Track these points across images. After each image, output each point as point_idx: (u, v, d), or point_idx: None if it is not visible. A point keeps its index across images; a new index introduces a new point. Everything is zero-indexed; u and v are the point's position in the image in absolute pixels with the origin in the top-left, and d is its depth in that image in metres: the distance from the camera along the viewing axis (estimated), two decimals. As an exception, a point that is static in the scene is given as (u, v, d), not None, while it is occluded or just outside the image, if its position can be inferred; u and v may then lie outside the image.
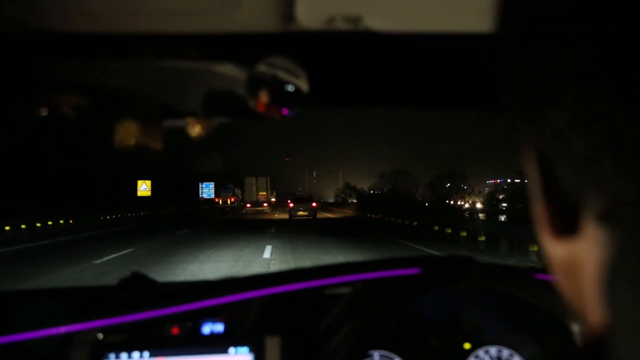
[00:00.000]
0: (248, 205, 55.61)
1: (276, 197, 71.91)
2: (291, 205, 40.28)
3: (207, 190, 77.03)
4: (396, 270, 1.18)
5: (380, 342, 1.19)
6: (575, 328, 1.08)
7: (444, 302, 1.21)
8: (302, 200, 40.40)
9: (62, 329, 1.11)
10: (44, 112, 0.86)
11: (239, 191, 70.09)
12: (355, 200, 72.58)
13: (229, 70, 0.95)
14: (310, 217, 38.58)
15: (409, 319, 1.20)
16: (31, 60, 0.90)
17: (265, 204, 55.35)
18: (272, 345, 1.11)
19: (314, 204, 40.48)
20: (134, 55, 0.91)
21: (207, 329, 1.16)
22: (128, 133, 0.95)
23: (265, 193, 56.32)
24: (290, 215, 39.06)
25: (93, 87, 0.91)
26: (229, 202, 67.56)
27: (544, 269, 1.25)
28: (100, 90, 0.92)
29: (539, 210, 0.36)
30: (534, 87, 0.31)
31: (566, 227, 0.33)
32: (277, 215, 45.24)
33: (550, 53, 0.30)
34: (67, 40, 0.87)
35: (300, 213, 38.87)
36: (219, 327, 1.16)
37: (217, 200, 68.92)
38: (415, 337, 1.21)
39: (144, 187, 54.23)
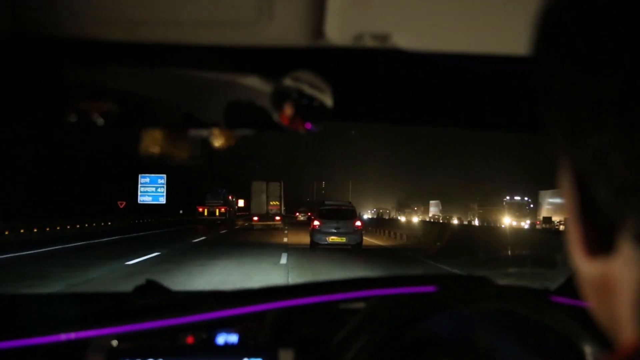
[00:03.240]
0: (255, 218, 39.05)
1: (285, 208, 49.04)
2: (316, 223, 19.68)
3: (151, 190, 46.75)
4: (412, 288, 1.19)
5: (394, 359, 1.19)
6: (588, 350, 1.08)
7: (458, 321, 1.21)
8: (337, 216, 19.73)
9: (78, 335, 1.12)
10: (73, 118, 0.88)
11: (234, 199, 51.80)
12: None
13: (254, 82, 0.97)
14: (350, 247, 19.20)
15: (423, 337, 1.20)
16: (63, 67, 0.91)
17: (277, 218, 39.09)
18: (286, 358, 1.11)
19: (359, 223, 19.95)
20: (164, 65, 0.92)
21: (221, 339, 1.16)
22: (153, 141, 0.96)
23: (278, 203, 39.88)
24: (314, 243, 19.27)
25: (122, 95, 0.92)
26: (217, 213, 45.93)
27: (559, 291, 1.24)
28: (129, 98, 0.93)
29: (573, 229, 0.36)
30: (575, 109, 0.32)
31: (601, 247, 0.34)
32: (288, 238, 25.83)
33: (592, 76, 0.30)
34: (99, 48, 0.89)
35: (334, 239, 19.04)
36: (233, 338, 1.17)
37: (200, 210, 46.66)
38: (428, 355, 1.21)
39: None
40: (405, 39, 0.85)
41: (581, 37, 0.31)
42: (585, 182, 0.33)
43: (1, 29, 0.80)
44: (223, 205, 47.13)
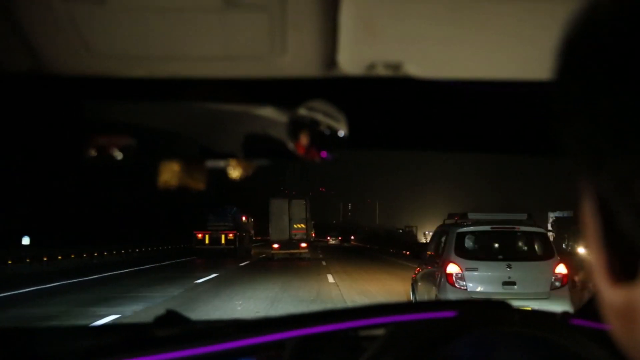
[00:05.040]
0: (275, 245, 30.26)
1: (314, 232, 38.88)
2: (453, 270, 7.17)
3: None
4: (431, 313, 1.18)
5: None
6: None
7: (478, 347, 1.20)
8: (504, 251, 7.56)
9: None
10: (93, 153, 0.89)
11: (249, 220, 39.33)
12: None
13: (270, 113, 0.98)
14: None
15: None
16: (81, 103, 0.93)
17: (303, 245, 30.07)
18: None
19: (562, 269, 7.16)
20: (181, 99, 0.94)
21: None
22: (171, 173, 0.97)
23: (304, 226, 30.57)
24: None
25: (140, 129, 0.93)
26: (223, 241, 33.59)
27: (579, 314, 1.23)
28: (147, 132, 0.94)
29: (596, 256, 0.36)
30: (597, 135, 0.32)
31: (624, 273, 0.33)
32: (340, 288, 15.07)
33: (613, 102, 0.30)
34: (116, 84, 0.91)
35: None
36: None
37: (200, 236, 34.03)
38: None
39: None
40: (418, 67, 0.86)
41: (601, 63, 0.31)
42: (608, 208, 0.33)
43: (20, 68, 0.82)
44: (232, 229, 34.12)
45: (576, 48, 0.34)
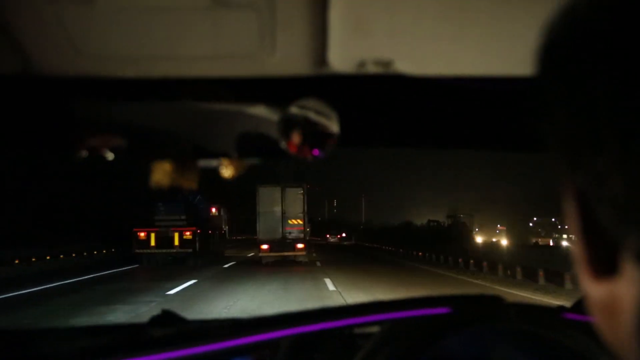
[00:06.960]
0: (264, 246, 23.40)
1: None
2: None
3: None
4: (425, 310, 1.18)
5: None
6: None
7: (473, 342, 1.20)
8: None
9: None
10: (83, 154, 0.89)
11: (221, 212, 30.70)
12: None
13: (261, 112, 0.97)
14: None
15: (438, 359, 1.19)
16: (71, 103, 0.93)
17: (299, 245, 23.56)
18: None
19: None
20: (171, 99, 0.93)
21: None
22: (163, 173, 0.97)
23: (301, 222, 23.91)
24: None
25: (131, 129, 0.93)
26: (177, 242, 23.50)
27: (574, 308, 1.23)
28: (138, 132, 0.94)
29: (578, 250, 0.36)
30: (575, 131, 0.32)
31: (605, 268, 0.34)
32: None
33: (589, 98, 0.31)
34: (107, 84, 0.90)
35: None
36: None
37: (142, 235, 23.20)
38: None
39: None
40: (408, 65, 0.86)
41: (579, 60, 0.32)
42: (587, 203, 0.33)
43: (9, 70, 0.82)
44: (189, 225, 23.95)
45: (555, 46, 0.34)
